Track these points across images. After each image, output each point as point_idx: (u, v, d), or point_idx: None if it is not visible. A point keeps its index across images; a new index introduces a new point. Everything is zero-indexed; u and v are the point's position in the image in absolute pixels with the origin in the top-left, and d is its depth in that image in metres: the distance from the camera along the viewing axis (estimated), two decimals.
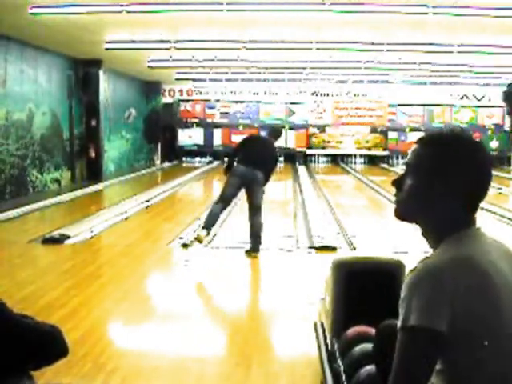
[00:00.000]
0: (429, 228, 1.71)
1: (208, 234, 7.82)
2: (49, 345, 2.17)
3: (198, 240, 7.71)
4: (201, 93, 24.32)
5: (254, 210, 7.72)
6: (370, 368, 2.85)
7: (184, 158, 24.18)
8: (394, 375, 1.54)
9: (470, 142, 1.69)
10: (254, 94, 24.09)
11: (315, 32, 11.67)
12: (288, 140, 23.69)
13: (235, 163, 7.84)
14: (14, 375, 2.07)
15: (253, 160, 7.68)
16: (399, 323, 1.55)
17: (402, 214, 1.76)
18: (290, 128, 23.93)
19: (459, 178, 1.64)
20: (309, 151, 24.08)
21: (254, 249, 7.67)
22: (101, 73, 16.95)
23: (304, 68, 17.08)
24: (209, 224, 7.81)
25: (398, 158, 23.88)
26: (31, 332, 2.11)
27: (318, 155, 24.19)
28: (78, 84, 16.35)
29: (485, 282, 1.55)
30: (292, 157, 23.42)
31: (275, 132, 8.49)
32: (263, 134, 8.48)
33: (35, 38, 12.90)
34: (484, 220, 2.39)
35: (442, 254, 1.60)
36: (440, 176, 1.66)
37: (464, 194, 1.65)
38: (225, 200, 7.85)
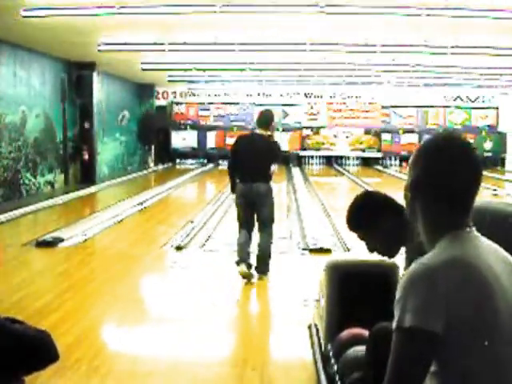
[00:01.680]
0: (423, 229, 1.72)
1: (248, 268, 6.64)
2: (38, 350, 2.14)
3: (244, 276, 6.61)
4: (194, 95, 24.31)
5: (262, 225, 6.78)
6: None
7: (178, 161, 24.17)
8: (388, 376, 1.54)
9: (461, 144, 1.70)
10: (247, 95, 24.09)
11: (309, 34, 11.67)
12: (282, 142, 23.69)
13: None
14: (3, 380, 2.05)
15: (247, 173, 6.65)
16: (394, 324, 1.55)
17: (408, 215, 1.79)
18: (284, 130, 23.93)
19: (451, 180, 1.65)
20: (303, 153, 24.10)
21: (260, 270, 6.73)
22: (94, 75, 16.92)
23: (298, 70, 17.09)
24: (240, 257, 6.67)
25: (391, 159, 23.94)
26: (19, 338, 2.09)
27: (312, 157, 24.20)
28: (71, 86, 16.31)
29: (479, 283, 1.55)
30: (286, 158, 23.40)
31: (263, 119, 6.88)
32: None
33: (28, 41, 12.86)
34: None
35: (436, 255, 1.61)
36: (431, 178, 1.67)
37: (457, 195, 1.66)
38: (242, 224, 6.78)
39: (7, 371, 2.07)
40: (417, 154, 1.74)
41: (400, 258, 2.99)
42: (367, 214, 2.93)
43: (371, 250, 2.97)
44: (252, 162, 6.63)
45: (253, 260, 6.72)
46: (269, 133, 6.88)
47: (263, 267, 6.71)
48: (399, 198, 2.80)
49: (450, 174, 1.65)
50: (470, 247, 1.63)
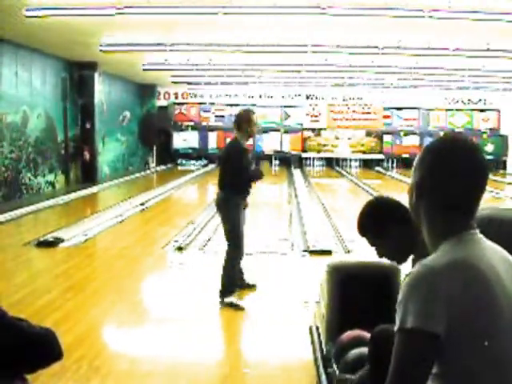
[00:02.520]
0: (427, 231, 1.72)
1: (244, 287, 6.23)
2: (43, 348, 2.15)
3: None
4: (196, 96, 24.30)
5: (227, 240, 6.14)
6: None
7: (179, 161, 24.17)
8: (390, 377, 1.54)
9: (466, 146, 1.70)
10: (249, 97, 24.08)
11: (310, 35, 11.67)
12: (283, 143, 23.74)
13: None
14: (7, 378, 2.05)
15: (219, 178, 6.10)
16: (396, 325, 1.55)
17: (412, 216, 1.79)
18: (286, 131, 23.95)
19: (455, 182, 1.65)
20: (304, 155, 24.08)
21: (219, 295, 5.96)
22: (96, 75, 16.92)
23: (299, 71, 17.08)
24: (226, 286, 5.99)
25: (393, 161, 23.93)
26: (25, 335, 2.09)
27: (314, 159, 24.19)
28: (72, 86, 16.32)
29: (481, 285, 1.55)
30: (287, 160, 23.46)
31: (236, 120, 6.08)
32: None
33: (30, 41, 12.87)
34: None
35: (439, 257, 1.61)
36: (435, 180, 1.67)
37: (461, 197, 1.66)
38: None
39: (12, 368, 2.07)
40: (421, 155, 1.74)
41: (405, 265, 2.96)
42: (374, 222, 2.93)
43: (380, 255, 2.96)
44: (221, 166, 6.30)
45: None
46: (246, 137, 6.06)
47: (220, 292, 5.94)
48: (402, 200, 2.80)
49: (454, 176, 1.65)
50: (473, 249, 1.62)
